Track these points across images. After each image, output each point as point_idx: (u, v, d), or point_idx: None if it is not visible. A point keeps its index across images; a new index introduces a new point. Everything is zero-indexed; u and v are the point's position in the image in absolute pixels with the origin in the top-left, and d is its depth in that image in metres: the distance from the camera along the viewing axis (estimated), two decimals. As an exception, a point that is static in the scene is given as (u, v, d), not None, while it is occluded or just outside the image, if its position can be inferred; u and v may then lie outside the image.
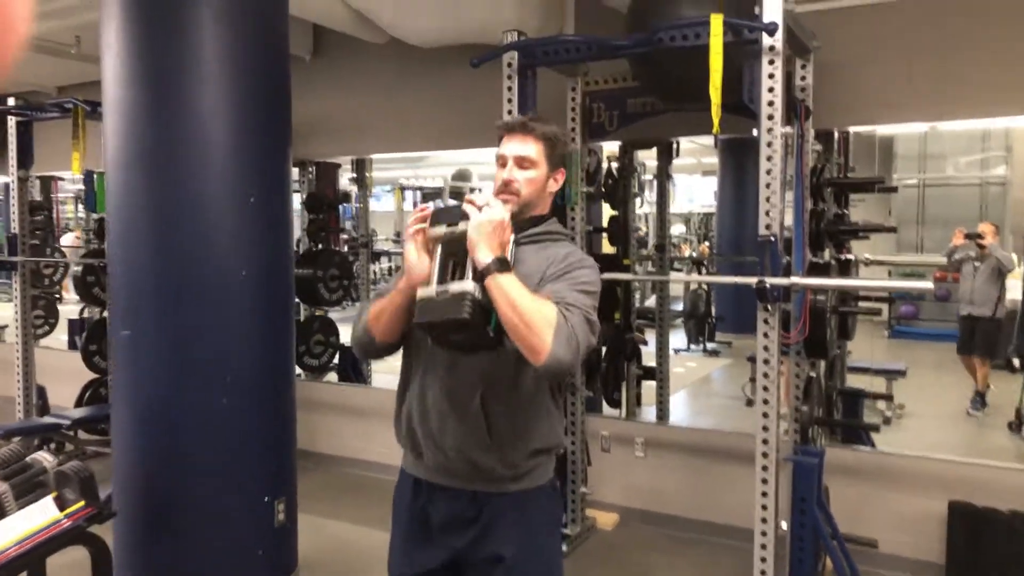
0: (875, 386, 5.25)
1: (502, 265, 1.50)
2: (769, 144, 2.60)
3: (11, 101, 4.51)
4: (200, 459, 2.82)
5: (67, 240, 9.91)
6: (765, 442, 2.64)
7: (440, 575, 1.70)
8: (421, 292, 1.55)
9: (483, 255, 1.50)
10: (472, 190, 13.00)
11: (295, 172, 5.45)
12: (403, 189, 14.59)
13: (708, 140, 9.72)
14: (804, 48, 3.02)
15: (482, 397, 1.61)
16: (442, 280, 1.55)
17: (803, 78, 3.09)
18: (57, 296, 7.54)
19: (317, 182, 5.31)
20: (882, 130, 7.55)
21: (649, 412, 4.65)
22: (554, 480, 1.76)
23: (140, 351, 2.84)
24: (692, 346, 8.79)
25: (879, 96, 3.36)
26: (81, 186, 7.43)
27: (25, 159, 4.55)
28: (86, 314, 7.58)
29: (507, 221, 1.57)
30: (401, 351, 1.75)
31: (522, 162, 1.68)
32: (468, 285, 1.51)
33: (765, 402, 2.64)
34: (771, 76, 2.57)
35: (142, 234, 2.82)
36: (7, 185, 7.15)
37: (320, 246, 5.23)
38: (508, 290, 1.48)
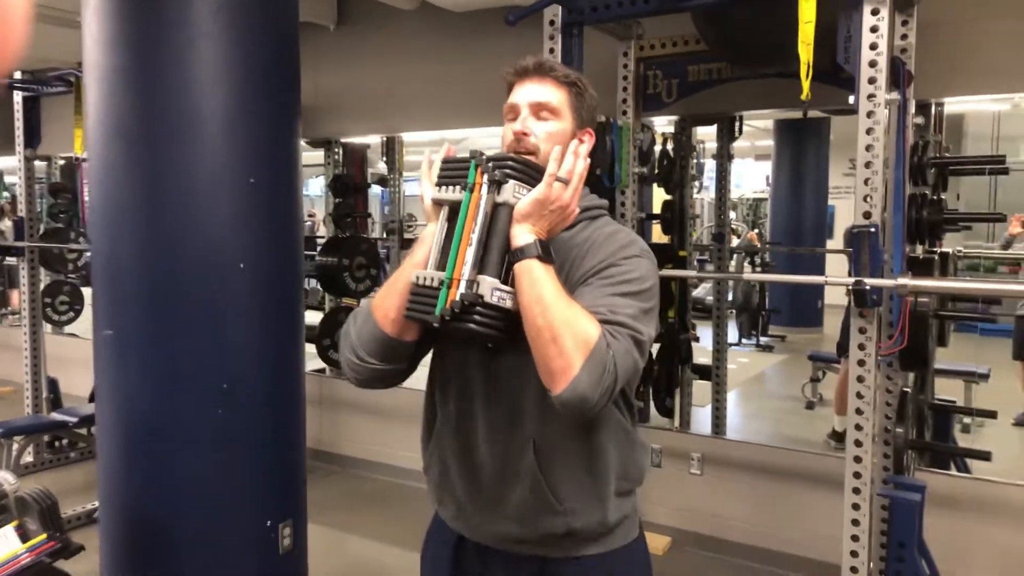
0: (950, 390, 4.72)
1: (544, 252, 1.12)
2: (870, 114, 2.12)
3: (17, 75, 4.22)
4: (193, 478, 2.45)
5: None
6: (858, 475, 2.18)
7: None
8: (416, 275, 1.17)
9: (524, 234, 1.12)
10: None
11: (319, 153, 5.11)
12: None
13: (761, 123, 9.19)
14: (908, 1, 2.51)
15: (535, 449, 1.22)
16: (440, 263, 1.16)
17: (904, 36, 2.58)
18: (81, 282, 7.34)
19: (343, 163, 4.94)
20: (952, 107, 6.94)
21: (701, 415, 4.20)
22: (642, 537, 1.35)
23: (124, 354, 2.48)
24: (744, 340, 8.27)
25: (991, 61, 2.83)
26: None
27: (31, 137, 4.26)
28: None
29: (575, 211, 1.18)
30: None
31: (540, 110, 1.27)
32: (467, 271, 1.12)
33: (858, 427, 2.18)
34: (874, 30, 2.09)
35: (125, 221, 2.44)
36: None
37: (346, 233, 4.87)
38: (542, 286, 1.10)
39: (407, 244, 6.08)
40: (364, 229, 5.20)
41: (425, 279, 1.15)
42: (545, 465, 1.23)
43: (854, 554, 2.20)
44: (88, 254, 4.90)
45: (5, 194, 8.66)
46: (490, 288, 1.10)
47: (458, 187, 1.17)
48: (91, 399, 4.77)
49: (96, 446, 4.21)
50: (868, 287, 2.07)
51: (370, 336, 1.24)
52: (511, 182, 1.14)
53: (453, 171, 1.19)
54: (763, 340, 8.31)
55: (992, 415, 3.44)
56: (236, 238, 2.45)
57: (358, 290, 4.83)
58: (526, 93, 1.27)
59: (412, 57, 4.27)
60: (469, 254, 1.12)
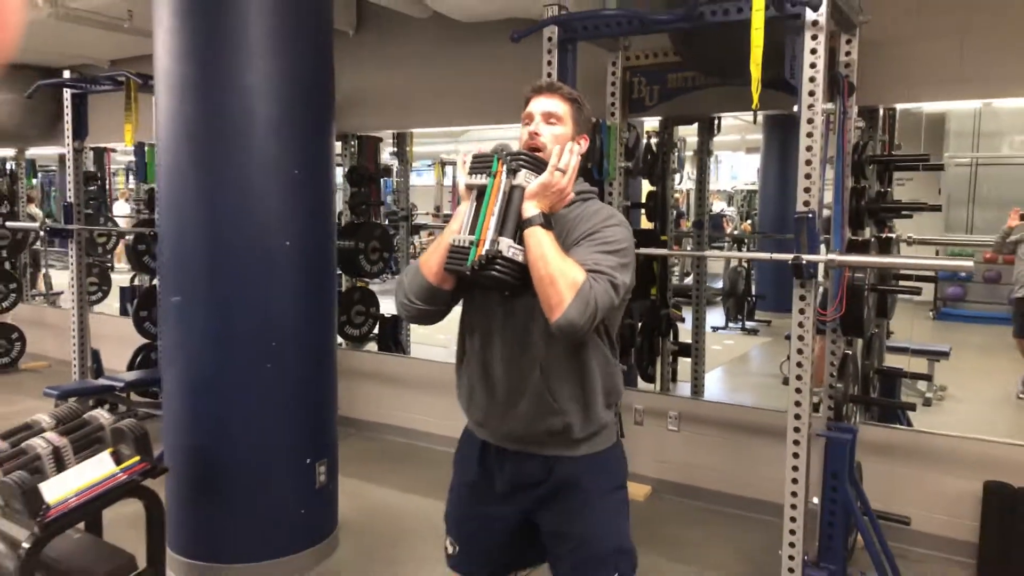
0: (916, 367, 5.19)
1: (546, 222, 1.58)
2: (810, 121, 2.58)
3: (67, 74, 4.66)
4: (246, 422, 2.94)
5: (119, 209, 10.20)
6: (797, 417, 2.66)
7: (511, 530, 1.81)
8: (453, 238, 1.64)
9: (532, 208, 1.59)
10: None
11: (337, 145, 5.56)
12: (443, 164, 14.68)
13: (749, 114, 9.58)
14: (850, 23, 2.97)
15: (541, 368, 1.68)
16: (472, 229, 1.62)
17: (848, 53, 3.04)
18: (109, 265, 7.79)
19: (359, 155, 5.39)
20: (931, 107, 7.37)
21: (684, 388, 4.67)
22: (620, 442, 1.83)
23: (188, 317, 2.96)
24: (731, 324, 8.75)
25: (928, 73, 3.30)
26: (131, 157, 7.65)
27: (80, 130, 4.71)
28: (136, 282, 7.85)
29: (570, 194, 1.65)
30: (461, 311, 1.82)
31: (549, 117, 1.72)
32: (490, 233, 1.58)
33: (799, 378, 2.65)
34: (813, 52, 2.55)
35: (190, 205, 2.92)
36: (62, 156, 7.40)
37: (361, 219, 5.32)
38: (543, 246, 1.56)
39: (415, 230, 6.53)
40: (377, 216, 5.66)
41: (460, 241, 1.62)
42: (547, 380, 1.69)
43: (795, 482, 2.68)
44: (128, 237, 5.36)
45: (34, 181, 9.09)
46: (507, 246, 1.57)
47: (484, 174, 1.64)
48: (129, 367, 5.26)
49: (146, 407, 4.71)
50: (804, 262, 2.54)
51: (418, 285, 1.71)
52: (523, 170, 1.61)
53: (480, 164, 1.66)
54: (748, 324, 8.78)
55: (927, 378, 3.91)
56: (283, 221, 2.92)
57: (372, 271, 5.29)
58: (539, 105, 1.74)
59: (423, 61, 4.72)
60: (492, 222, 1.59)
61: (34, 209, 8.66)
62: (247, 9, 2.84)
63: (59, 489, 2.30)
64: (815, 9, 2.48)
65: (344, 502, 3.37)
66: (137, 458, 2.46)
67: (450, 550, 1.91)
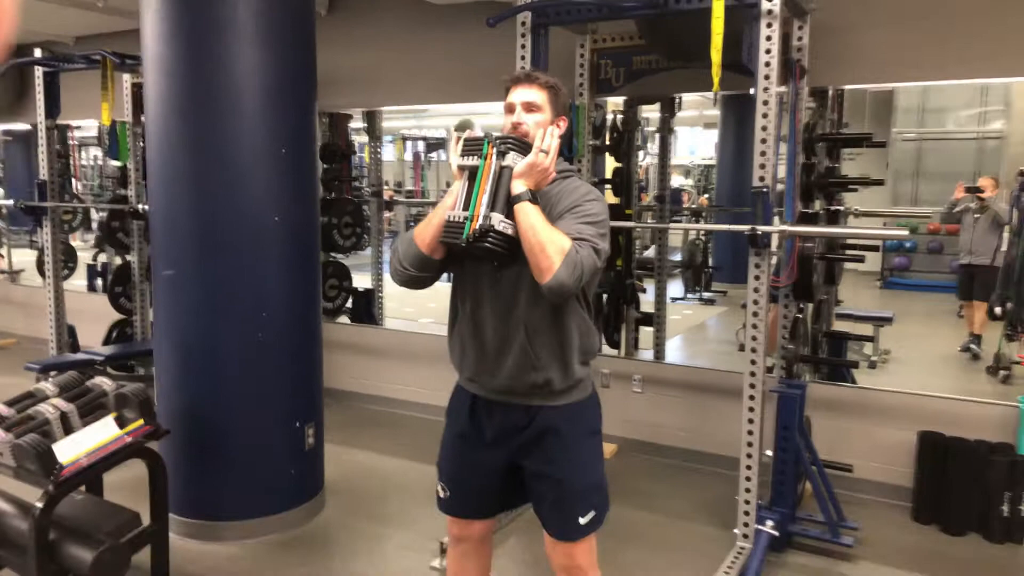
0: (863, 332, 5.53)
1: (533, 197, 1.79)
2: (765, 103, 2.80)
3: (38, 52, 4.67)
4: (239, 387, 3.10)
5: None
6: (753, 375, 2.92)
7: (498, 473, 2.01)
8: (448, 214, 1.83)
9: (521, 186, 1.79)
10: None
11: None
12: (404, 139, 14.71)
13: (710, 93, 9.83)
14: (802, 10, 3.20)
15: (525, 329, 1.88)
16: (465, 205, 1.82)
17: (800, 39, 3.28)
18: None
19: (330, 133, 5.49)
20: (877, 86, 7.70)
21: (647, 355, 4.93)
22: (595, 393, 2.05)
23: (181, 289, 3.09)
24: (689, 295, 9.07)
25: (872, 57, 3.54)
26: (90, 134, 7.59)
27: (52, 109, 4.73)
28: (102, 259, 7.85)
29: (552, 172, 1.84)
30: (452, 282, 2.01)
31: (529, 107, 1.91)
32: (483, 209, 1.78)
33: (754, 339, 2.91)
34: (768, 39, 2.76)
35: (182, 182, 3.04)
36: (26, 133, 7.33)
37: (334, 195, 5.44)
38: (532, 217, 1.76)
39: (388, 206, 6.64)
40: (349, 191, 5.77)
41: (455, 217, 1.81)
42: (531, 340, 1.89)
43: (750, 432, 2.94)
44: (101, 214, 5.40)
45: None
46: (498, 220, 1.76)
47: (475, 156, 1.83)
48: (105, 342, 5.33)
49: (123, 380, 4.78)
50: (760, 232, 2.78)
51: (412, 254, 1.89)
52: (511, 152, 1.80)
53: (471, 146, 1.84)
54: (706, 295, 9.11)
55: (870, 339, 4.23)
56: (271, 196, 3.06)
57: (346, 246, 5.43)
58: (519, 95, 1.92)
59: (394, 42, 4.84)
60: (484, 199, 1.78)
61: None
62: (233, -8, 2.96)
63: (70, 451, 2.45)
64: (770, 1, 2.70)
65: (327, 466, 3.56)
66: (141, 421, 2.62)
67: (442, 494, 2.11)
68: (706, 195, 13.79)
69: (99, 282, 7.47)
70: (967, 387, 5.68)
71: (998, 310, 5.47)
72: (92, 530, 2.49)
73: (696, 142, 15.61)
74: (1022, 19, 3.25)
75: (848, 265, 6.74)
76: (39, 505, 2.39)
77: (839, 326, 4.54)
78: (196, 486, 3.10)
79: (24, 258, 8.96)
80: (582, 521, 1.94)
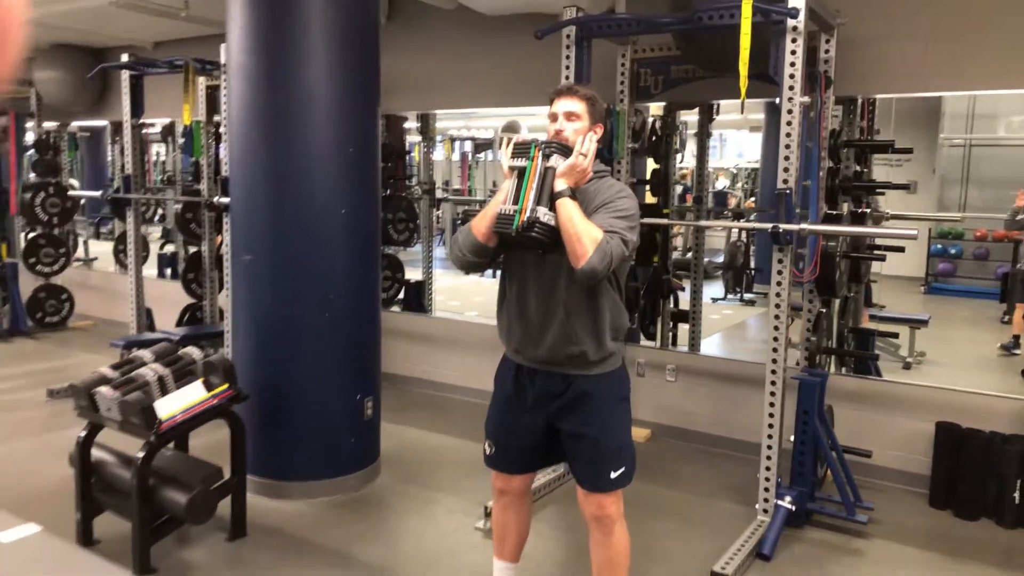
0: (900, 334, 5.69)
1: (572, 194, 2.10)
2: (789, 111, 3.05)
3: (124, 57, 5.12)
4: (307, 361, 3.46)
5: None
6: (775, 361, 3.17)
7: (538, 433, 2.31)
8: (500, 208, 2.14)
9: (562, 184, 2.10)
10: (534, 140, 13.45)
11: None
12: (453, 140, 15.11)
13: (753, 100, 10.00)
14: (828, 25, 3.43)
15: (564, 308, 2.18)
16: (515, 200, 2.13)
17: (827, 51, 3.51)
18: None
19: (387, 133, 5.86)
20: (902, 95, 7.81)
21: (683, 351, 5.17)
22: (624, 365, 2.34)
23: (258, 273, 3.47)
24: (729, 296, 9.24)
25: (898, 68, 3.75)
26: (152, 131, 8.10)
27: (137, 109, 5.18)
28: (170, 249, 8.38)
29: (589, 172, 2.13)
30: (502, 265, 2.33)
31: (570, 116, 2.22)
32: (530, 204, 2.08)
33: (776, 328, 3.16)
34: (793, 53, 3.02)
35: (260, 178, 3.41)
36: (98, 130, 7.88)
37: (389, 192, 5.80)
38: (571, 211, 2.07)
39: (437, 203, 6.99)
40: (403, 189, 6.14)
41: (506, 210, 2.12)
42: (569, 317, 2.19)
43: (771, 415, 3.19)
44: (176, 205, 5.85)
45: (76, 153, 9.57)
46: (543, 213, 2.07)
47: (523, 158, 2.14)
48: (178, 324, 5.78)
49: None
50: (782, 230, 3.02)
51: (470, 243, 2.21)
52: (554, 155, 2.11)
53: (520, 149, 2.16)
54: (747, 296, 9.27)
55: (894, 335, 4.42)
56: (340, 191, 3.42)
57: (400, 240, 5.79)
58: (561, 106, 2.23)
59: (447, 49, 5.18)
60: (531, 196, 2.08)
61: (71, 180, 9.15)
62: (309, 8, 3.32)
63: (167, 408, 2.83)
64: (794, 17, 2.95)
65: (382, 441, 3.89)
66: (226, 385, 2.99)
67: (488, 451, 2.42)
68: (753, 198, 13.88)
69: (167, 271, 8.01)
70: (997, 387, 5.80)
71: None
72: (185, 478, 2.86)
73: (744, 145, 15.65)
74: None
75: (891, 270, 6.90)
76: (140, 455, 2.78)
77: (876, 327, 4.73)
78: (268, 448, 3.46)
79: (93, 248, 9.59)
80: (612, 476, 2.23)
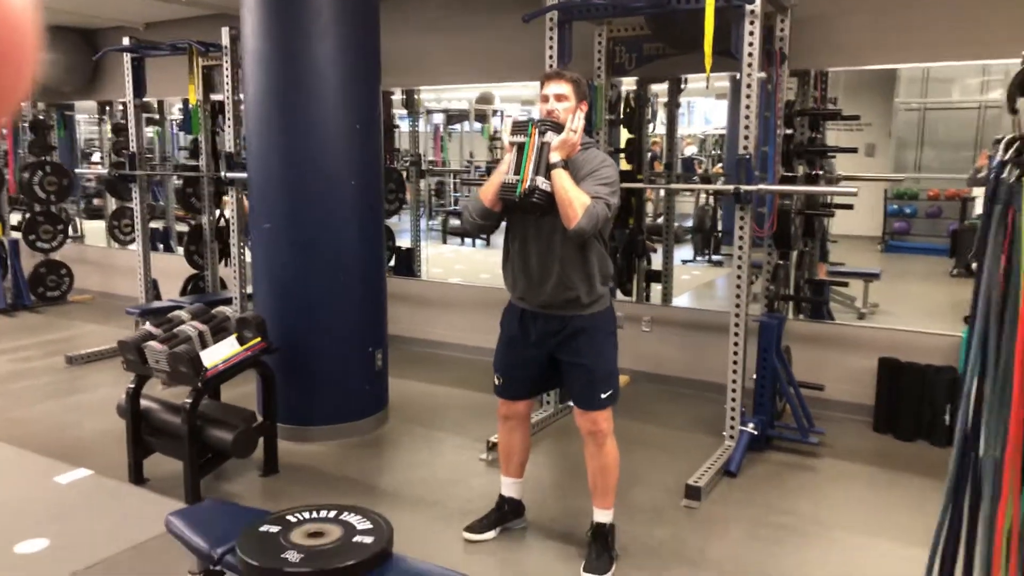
0: (856, 289, 6.22)
1: (565, 165, 2.50)
2: (748, 86, 3.48)
3: (126, 40, 5.39)
4: (324, 318, 3.85)
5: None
6: (737, 307, 3.63)
7: (539, 365, 2.74)
8: (504, 178, 2.54)
9: (556, 157, 2.50)
10: (529, 121, 13.72)
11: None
12: (428, 112, 15.34)
13: (717, 73, 10.43)
14: (783, 6, 3.85)
15: (560, 261, 2.60)
16: (516, 171, 2.53)
17: (782, 30, 3.93)
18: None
19: (376, 108, 6.18)
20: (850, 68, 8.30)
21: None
22: (612, 306, 2.78)
23: (276, 240, 3.84)
24: (698, 258, 9.74)
25: (846, 43, 4.19)
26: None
27: (139, 90, 5.45)
28: (162, 224, 8.64)
29: (579, 145, 2.53)
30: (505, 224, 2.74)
31: (559, 97, 2.62)
32: (530, 174, 2.49)
33: (739, 277, 3.61)
34: (751, 34, 3.43)
35: (275, 152, 3.77)
36: (101, 107, 8.07)
37: (380, 164, 6.14)
38: (564, 180, 2.49)
39: (423, 174, 7.35)
40: (391, 162, 6.48)
41: (509, 180, 2.53)
42: (564, 268, 2.60)
43: (735, 353, 3.66)
44: (177, 181, 6.15)
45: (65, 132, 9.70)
46: (541, 182, 2.48)
47: (522, 135, 2.54)
48: (182, 293, 6.11)
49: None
50: (742, 191, 3.46)
51: (479, 209, 2.63)
52: (548, 132, 2.52)
53: (519, 127, 2.56)
54: (715, 257, 9.76)
55: (844, 284, 4.93)
56: (348, 163, 3.78)
57: (390, 210, 6.15)
58: (551, 88, 2.63)
59: (433, 28, 5.51)
60: (531, 167, 2.49)
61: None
62: (316, -3, 3.65)
63: (210, 358, 3.21)
64: (751, 3, 3.36)
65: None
66: (259, 339, 3.38)
67: (497, 382, 2.85)
68: (720, 164, 14.35)
69: (160, 245, 8.27)
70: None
71: (974, 266, 6.11)
72: (227, 419, 3.26)
73: (711, 112, 16.04)
74: (978, 7, 3.88)
75: (851, 230, 7.40)
76: (189, 400, 3.17)
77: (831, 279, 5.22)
78: (292, 397, 3.85)
79: (92, 225, 9.78)
80: (603, 396, 2.68)
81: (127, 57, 5.40)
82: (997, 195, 1.18)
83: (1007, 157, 1.17)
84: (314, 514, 2.12)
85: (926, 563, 1.66)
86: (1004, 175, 1.17)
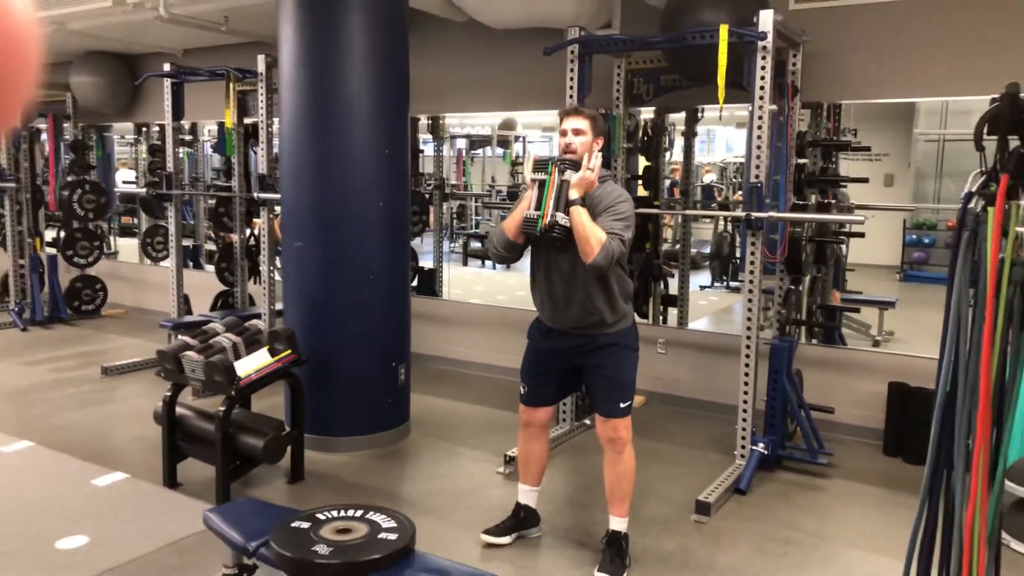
0: (869, 316, 6.30)
1: (583, 202, 2.67)
2: (760, 117, 3.63)
3: (167, 67, 5.65)
4: (350, 333, 4.02)
5: (121, 176, 10.97)
6: (748, 329, 3.75)
7: (563, 374, 2.93)
8: (525, 213, 2.71)
9: (575, 194, 2.67)
10: (552, 161, 13.94)
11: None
12: (452, 137, 15.63)
13: (731, 105, 10.62)
14: (794, 42, 4.01)
15: (583, 289, 2.77)
16: (537, 207, 2.69)
17: (794, 64, 4.09)
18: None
19: (402, 133, 6.40)
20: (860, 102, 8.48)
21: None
22: (635, 324, 2.94)
23: (306, 258, 4.02)
24: (716, 284, 9.84)
25: (856, 78, 4.34)
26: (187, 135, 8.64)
27: (177, 113, 5.70)
28: (194, 242, 8.90)
29: (596, 183, 2.70)
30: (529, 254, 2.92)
31: (577, 132, 2.81)
32: (550, 210, 2.65)
33: (750, 301, 3.74)
34: (763, 68, 3.59)
35: (308, 175, 3.97)
36: (137, 128, 8.38)
37: (405, 187, 6.35)
38: (582, 217, 2.65)
39: (446, 197, 7.55)
40: (417, 185, 6.69)
41: (530, 215, 2.70)
42: (587, 294, 2.77)
43: (747, 375, 3.78)
44: (210, 201, 6.38)
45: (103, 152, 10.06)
46: (561, 217, 2.65)
47: (543, 172, 2.71)
48: (212, 309, 6.32)
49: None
50: (753, 218, 3.60)
51: (503, 240, 2.81)
52: (568, 170, 2.69)
53: (540, 165, 2.74)
54: (733, 284, 9.87)
55: (856, 310, 5.02)
56: (377, 187, 3.98)
57: (414, 232, 6.34)
58: (568, 124, 2.81)
59: (458, 58, 5.74)
60: (551, 203, 2.67)
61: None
62: (351, 27, 3.87)
63: (243, 369, 3.39)
64: (763, 39, 3.53)
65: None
66: (289, 351, 3.55)
67: (523, 391, 3.02)
68: (740, 192, 14.46)
69: (190, 263, 8.53)
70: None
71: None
72: (258, 427, 3.43)
73: (732, 140, 16.15)
74: (972, 49, 4.03)
75: (870, 259, 7.47)
76: (222, 408, 3.34)
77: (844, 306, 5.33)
78: (318, 409, 4.02)
79: (123, 242, 10.09)
80: (622, 405, 2.84)
81: (167, 82, 5.66)
82: (965, 223, 1.31)
83: (975, 189, 1.30)
84: (342, 512, 2.27)
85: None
86: (971, 205, 1.30)
